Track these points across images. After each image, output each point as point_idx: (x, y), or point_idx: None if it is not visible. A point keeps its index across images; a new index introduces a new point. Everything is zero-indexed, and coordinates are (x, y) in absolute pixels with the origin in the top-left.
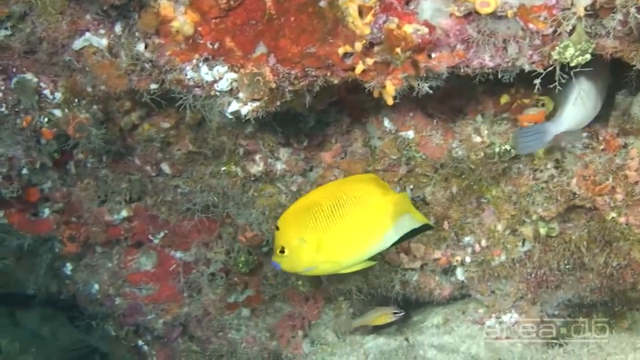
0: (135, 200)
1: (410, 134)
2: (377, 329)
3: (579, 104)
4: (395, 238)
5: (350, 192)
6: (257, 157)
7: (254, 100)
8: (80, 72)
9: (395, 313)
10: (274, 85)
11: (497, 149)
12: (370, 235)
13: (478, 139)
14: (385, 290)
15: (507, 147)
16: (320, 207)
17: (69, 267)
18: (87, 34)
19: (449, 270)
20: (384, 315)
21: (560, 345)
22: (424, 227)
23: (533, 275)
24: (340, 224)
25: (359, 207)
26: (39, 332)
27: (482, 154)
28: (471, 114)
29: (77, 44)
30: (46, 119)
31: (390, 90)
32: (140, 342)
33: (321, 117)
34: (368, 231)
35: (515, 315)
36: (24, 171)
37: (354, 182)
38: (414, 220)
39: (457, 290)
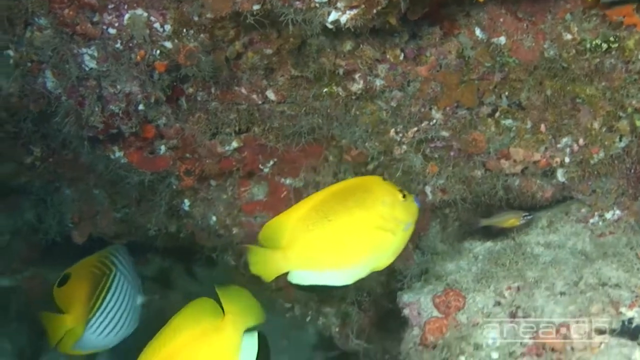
0: (244, 131)
1: (502, 39)
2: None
3: None
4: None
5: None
6: (357, 75)
7: (351, 8)
8: (187, 1)
9: (525, 216)
10: None
11: (588, 45)
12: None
13: (569, 37)
14: (489, 197)
15: (598, 42)
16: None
17: (186, 203)
18: None
19: (549, 173)
20: (513, 218)
21: None
22: None
23: (632, 170)
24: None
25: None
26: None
27: (574, 51)
28: (560, 13)
29: None
30: (158, 52)
31: None
32: None
33: (415, 32)
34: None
35: (618, 212)
36: (140, 107)
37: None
38: None
39: (559, 192)
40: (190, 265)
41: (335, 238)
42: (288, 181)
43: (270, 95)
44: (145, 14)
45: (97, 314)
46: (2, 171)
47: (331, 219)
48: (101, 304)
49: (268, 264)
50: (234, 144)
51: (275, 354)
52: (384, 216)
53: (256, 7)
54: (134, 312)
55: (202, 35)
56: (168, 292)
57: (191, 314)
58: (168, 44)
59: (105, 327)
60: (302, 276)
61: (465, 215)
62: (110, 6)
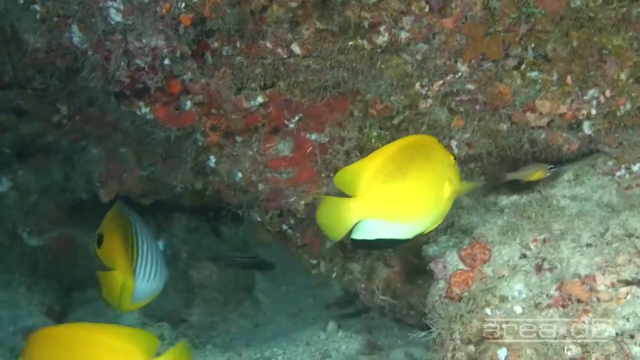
0: (270, 86)
1: None
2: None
3: None
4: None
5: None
6: (382, 28)
7: None
8: None
9: (551, 168)
10: None
11: None
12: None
13: None
14: (515, 150)
15: None
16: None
17: (212, 159)
18: None
19: (575, 125)
20: (539, 171)
21: None
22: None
23: None
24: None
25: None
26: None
27: (601, 1)
28: None
29: None
30: (183, 4)
31: None
32: (284, 227)
33: None
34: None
35: None
36: (166, 61)
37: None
38: None
39: (585, 145)
40: (216, 224)
41: (409, 191)
42: (313, 136)
43: (296, 49)
44: None
45: (139, 260)
46: (30, 130)
47: (405, 172)
48: (138, 251)
49: (342, 212)
50: (260, 99)
51: (301, 312)
52: (443, 177)
53: None
54: (162, 255)
55: None
56: (194, 250)
57: (122, 336)
58: None
59: (149, 272)
60: (370, 228)
61: (490, 169)
62: None
